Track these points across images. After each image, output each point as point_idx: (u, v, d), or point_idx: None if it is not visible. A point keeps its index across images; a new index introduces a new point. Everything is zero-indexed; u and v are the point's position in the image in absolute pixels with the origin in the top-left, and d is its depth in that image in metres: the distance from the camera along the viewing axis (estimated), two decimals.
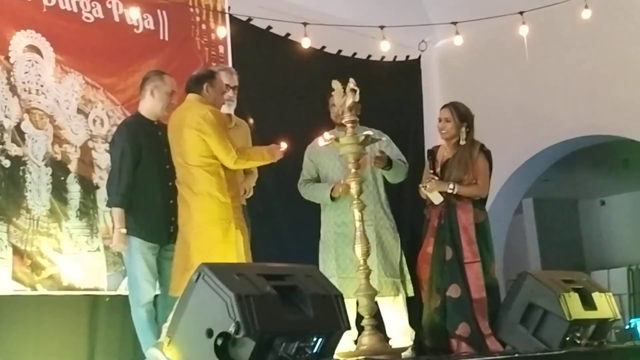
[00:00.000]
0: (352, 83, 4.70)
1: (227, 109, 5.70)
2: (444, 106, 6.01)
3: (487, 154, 5.99)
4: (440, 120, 5.96)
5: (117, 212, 5.20)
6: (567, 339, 4.80)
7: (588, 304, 5.04)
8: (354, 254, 4.86)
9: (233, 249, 5.07)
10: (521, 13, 7.43)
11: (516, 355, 4.61)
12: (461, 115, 5.91)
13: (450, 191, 5.70)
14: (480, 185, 5.89)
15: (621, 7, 7.40)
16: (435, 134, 8.50)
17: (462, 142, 5.89)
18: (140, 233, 5.19)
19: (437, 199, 5.75)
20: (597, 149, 8.83)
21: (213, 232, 5.02)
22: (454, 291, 5.61)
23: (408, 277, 5.78)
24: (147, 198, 5.26)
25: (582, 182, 11.85)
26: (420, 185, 5.85)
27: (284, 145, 5.12)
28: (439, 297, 5.65)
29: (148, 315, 5.18)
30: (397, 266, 5.73)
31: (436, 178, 5.80)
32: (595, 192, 13.09)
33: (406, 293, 5.76)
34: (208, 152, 5.04)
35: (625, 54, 7.81)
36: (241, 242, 5.10)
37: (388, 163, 5.68)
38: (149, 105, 5.40)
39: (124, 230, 5.12)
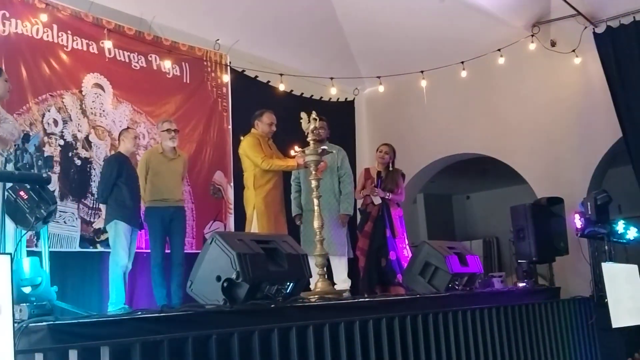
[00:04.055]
0: (314, 114, 4.65)
1: (172, 143, 5.62)
2: (385, 144, 6.42)
3: (404, 176, 6.49)
4: (381, 151, 6.27)
5: (102, 205, 5.34)
6: (450, 285, 4.81)
7: (463, 262, 5.05)
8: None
9: (250, 221, 5.45)
10: (422, 72, 7.48)
11: (417, 295, 4.60)
12: (394, 151, 6.36)
13: (387, 197, 5.92)
14: (402, 195, 6.29)
15: (485, 69, 7.46)
16: (361, 150, 8.59)
17: (391, 168, 6.29)
18: (124, 219, 5.21)
19: (377, 200, 6.03)
20: (466, 162, 8.88)
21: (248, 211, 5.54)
22: (393, 255, 5.95)
23: (350, 244, 5.85)
24: (128, 201, 5.25)
25: (455, 184, 11.94)
26: (370, 193, 6.12)
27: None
28: (384, 260, 5.89)
29: (122, 274, 5.17)
30: (343, 236, 5.72)
31: (379, 189, 6.11)
32: (463, 190, 13.21)
33: (349, 255, 5.83)
34: (248, 164, 5.48)
35: (486, 100, 7.89)
36: (254, 218, 5.37)
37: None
38: (123, 148, 5.47)
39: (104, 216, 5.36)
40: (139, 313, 2.97)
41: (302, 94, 7.84)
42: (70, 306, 3.26)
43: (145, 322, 2.77)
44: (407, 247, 6.14)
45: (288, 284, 3.57)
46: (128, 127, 5.79)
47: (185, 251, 5.95)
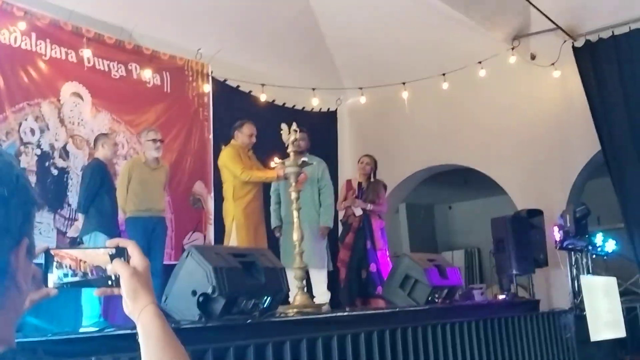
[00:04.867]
0: (294, 125, 4.62)
1: (156, 154, 5.49)
2: (366, 155, 6.39)
3: (385, 187, 6.51)
4: (362, 162, 6.25)
5: (81, 215, 5.16)
6: (430, 298, 4.78)
7: (443, 275, 5.03)
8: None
9: (229, 233, 5.40)
10: (404, 83, 7.49)
11: (397, 309, 4.57)
12: (375, 162, 6.33)
13: (369, 208, 5.90)
14: (384, 205, 6.28)
15: (466, 81, 7.48)
16: (344, 160, 8.56)
17: (372, 179, 6.27)
18: (104, 230, 5.02)
19: (358, 212, 6.00)
20: (448, 173, 8.90)
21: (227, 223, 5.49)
22: (374, 267, 5.90)
23: (329, 256, 5.80)
24: (109, 211, 5.11)
25: (437, 194, 11.95)
26: (351, 204, 6.08)
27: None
28: (365, 272, 5.87)
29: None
30: (323, 249, 5.68)
31: (361, 200, 6.07)
32: (446, 201, 13.24)
33: (329, 267, 5.77)
34: (227, 175, 5.44)
35: (467, 112, 7.90)
36: (233, 230, 5.33)
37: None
38: (102, 154, 5.24)
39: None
40: (111, 330, 2.91)
41: (284, 104, 7.80)
42: (42, 322, 3.18)
43: (116, 339, 2.70)
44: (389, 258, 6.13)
45: (265, 298, 3.53)
46: (107, 133, 5.67)
47: (164, 262, 5.90)
